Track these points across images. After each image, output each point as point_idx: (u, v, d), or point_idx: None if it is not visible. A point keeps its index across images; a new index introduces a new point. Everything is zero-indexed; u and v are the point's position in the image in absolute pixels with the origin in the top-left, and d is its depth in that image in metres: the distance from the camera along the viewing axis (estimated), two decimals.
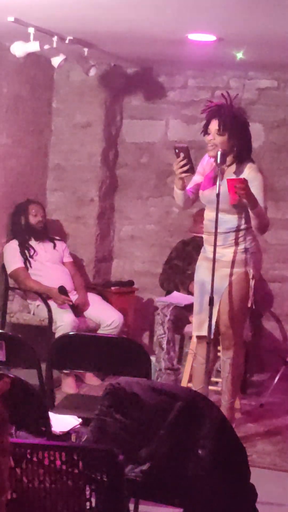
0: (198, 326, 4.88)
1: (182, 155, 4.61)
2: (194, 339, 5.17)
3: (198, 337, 4.95)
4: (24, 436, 3.05)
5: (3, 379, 1.86)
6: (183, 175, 4.68)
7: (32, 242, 6.17)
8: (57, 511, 2.26)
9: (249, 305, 4.85)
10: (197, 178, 4.82)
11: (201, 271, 4.88)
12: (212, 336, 4.72)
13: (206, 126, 4.73)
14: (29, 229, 6.18)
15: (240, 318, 4.88)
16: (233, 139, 4.69)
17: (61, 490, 2.25)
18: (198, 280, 4.90)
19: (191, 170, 4.65)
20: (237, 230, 4.77)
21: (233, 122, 4.69)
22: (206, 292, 4.76)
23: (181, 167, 4.63)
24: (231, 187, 4.55)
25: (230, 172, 4.75)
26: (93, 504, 2.31)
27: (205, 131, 4.74)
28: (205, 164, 4.82)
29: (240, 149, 4.72)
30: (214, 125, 4.69)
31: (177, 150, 4.64)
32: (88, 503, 2.30)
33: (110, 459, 2.30)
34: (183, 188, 4.77)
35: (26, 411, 3.07)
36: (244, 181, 4.54)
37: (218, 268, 4.66)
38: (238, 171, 4.74)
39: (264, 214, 4.71)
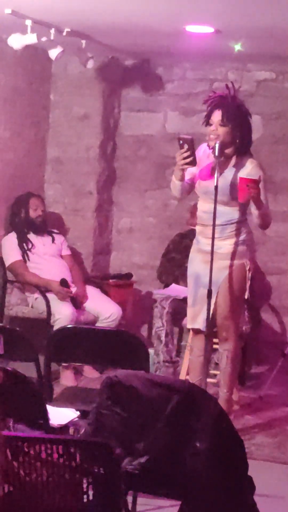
0: (192, 319, 4.89)
1: (186, 146, 4.59)
2: (191, 332, 5.17)
3: (194, 330, 4.95)
4: (22, 429, 3.05)
5: None
6: (186, 166, 4.65)
7: (31, 236, 6.17)
8: (54, 504, 2.27)
9: (246, 296, 4.86)
10: (193, 169, 4.79)
11: (195, 263, 4.87)
12: (205, 329, 4.74)
13: (208, 117, 4.71)
14: (28, 223, 6.17)
15: (237, 310, 4.90)
16: (235, 131, 4.68)
17: (58, 483, 2.25)
18: (192, 273, 4.90)
19: (194, 162, 4.63)
20: (235, 222, 4.77)
21: (237, 113, 4.68)
22: (202, 284, 4.77)
23: (184, 158, 4.61)
24: (244, 186, 4.53)
25: (230, 165, 4.73)
26: (90, 497, 2.32)
27: (207, 121, 4.72)
28: (201, 155, 4.79)
29: (241, 142, 4.71)
30: (217, 115, 4.66)
31: (181, 142, 4.61)
32: (85, 496, 2.30)
33: (107, 452, 2.30)
34: (182, 179, 4.75)
35: (24, 404, 3.07)
36: (257, 182, 4.53)
37: (214, 260, 4.66)
38: (238, 165, 4.72)
39: (268, 213, 4.72)
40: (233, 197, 4.69)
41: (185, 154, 4.59)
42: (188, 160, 4.60)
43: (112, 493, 2.29)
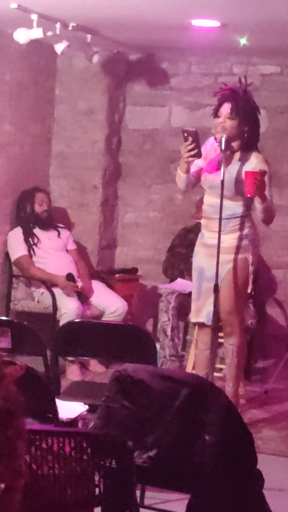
0: (196, 313, 4.90)
1: (190, 139, 4.58)
2: (196, 326, 5.18)
3: (199, 324, 4.96)
4: (31, 423, 3.06)
5: (17, 365, 1.87)
6: (190, 159, 4.65)
7: (36, 231, 6.16)
8: (66, 497, 2.27)
9: (248, 291, 4.86)
10: (199, 162, 4.79)
11: (199, 257, 4.89)
12: (209, 322, 4.74)
13: (217, 109, 4.71)
14: (34, 218, 6.16)
15: (240, 304, 4.89)
16: (243, 125, 4.67)
17: (70, 476, 2.26)
18: (196, 267, 4.91)
19: (199, 155, 4.62)
20: (237, 216, 4.76)
21: (247, 107, 4.67)
22: (205, 278, 4.78)
23: (189, 151, 4.61)
24: (251, 180, 4.51)
25: (235, 160, 4.73)
26: (102, 490, 2.32)
27: (216, 113, 4.72)
28: (209, 148, 4.79)
29: (249, 136, 4.70)
30: (226, 108, 4.67)
31: (185, 134, 4.60)
32: (97, 489, 2.30)
33: (119, 445, 2.31)
34: (188, 171, 4.75)
35: (32, 398, 3.06)
36: (264, 174, 4.51)
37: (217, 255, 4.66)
38: (244, 159, 4.72)
39: (271, 208, 4.71)
40: (237, 192, 4.69)
41: (190, 147, 4.59)
42: (192, 152, 4.60)
43: (123, 486, 2.29)
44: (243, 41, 5.45)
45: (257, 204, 4.64)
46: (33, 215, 6.16)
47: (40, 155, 6.68)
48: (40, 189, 6.34)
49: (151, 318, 6.99)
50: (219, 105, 4.70)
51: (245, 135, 4.69)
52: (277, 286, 6.78)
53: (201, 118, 6.57)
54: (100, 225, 6.88)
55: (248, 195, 4.61)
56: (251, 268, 4.81)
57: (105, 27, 5.62)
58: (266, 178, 4.64)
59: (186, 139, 4.60)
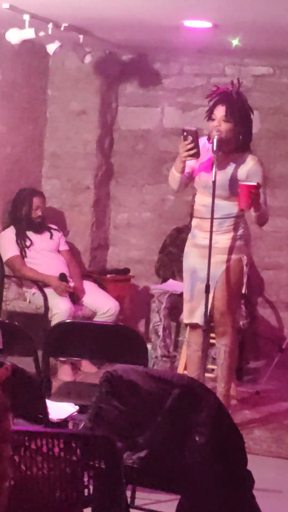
0: (189, 314, 4.88)
1: (190, 138, 4.58)
2: (188, 327, 5.16)
3: (191, 325, 4.95)
4: (21, 423, 3.06)
5: (4, 366, 1.87)
6: (189, 158, 4.64)
7: (29, 233, 6.14)
8: (55, 498, 2.27)
9: (243, 291, 4.86)
10: (191, 163, 4.79)
11: (191, 258, 4.86)
12: (203, 323, 4.73)
13: (210, 112, 4.70)
14: (28, 221, 6.13)
15: (234, 305, 4.90)
16: (238, 127, 4.67)
17: (59, 477, 2.26)
18: (188, 268, 4.88)
19: (197, 154, 4.61)
20: (233, 216, 4.77)
21: (241, 109, 4.67)
22: (198, 279, 4.77)
23: (188, 150, 4.60)
24: (246, 193, 4.51)
25: (231, 161, 4.72)
26: (91, 491, 2.32)
27: (209, 116, 4.71)
28: (201, 149, 4.79)
29: (244, 138, 4.71)
30: (220, 111, 4.65)
31: (185, 133, 4.59)
32: (86, 490, 2.30)
33: (108, 446, 2.31)
34: (183, 171, 4.73)
35: (23, 399, 3.07)
36: (259, 187, 4.52)
37: (212, 255, 4.65)
38: (239, 161, 4.72)
39: (266, 213, 4.72)
40: (232, 192, 4.69)
41: (189, 146, 4.57)
42: (191, 152, 4.59)
43: (113, 487, 2.29)
44: (235, 42, 5.45)
45: (252, 212, 4.65)
46: (27, 219, 6.12)
47: (32, 155, 6.68)
48: (38, 192, 6.29)
49: (143, 319, 7.00)
50: (213, 107, 4.68)
51: (240, 137, 4.69)
52: (268, 287, 6.78)
53: (193, 118, 6.58)
54: (92, 226, 6.88)
55: (242, 208, 4.62)
56: (245, 269, 4.81)
57: (97, 28, 5.62)
58: (260, 179, 4.65)
59: (185, 138, 4.59)
